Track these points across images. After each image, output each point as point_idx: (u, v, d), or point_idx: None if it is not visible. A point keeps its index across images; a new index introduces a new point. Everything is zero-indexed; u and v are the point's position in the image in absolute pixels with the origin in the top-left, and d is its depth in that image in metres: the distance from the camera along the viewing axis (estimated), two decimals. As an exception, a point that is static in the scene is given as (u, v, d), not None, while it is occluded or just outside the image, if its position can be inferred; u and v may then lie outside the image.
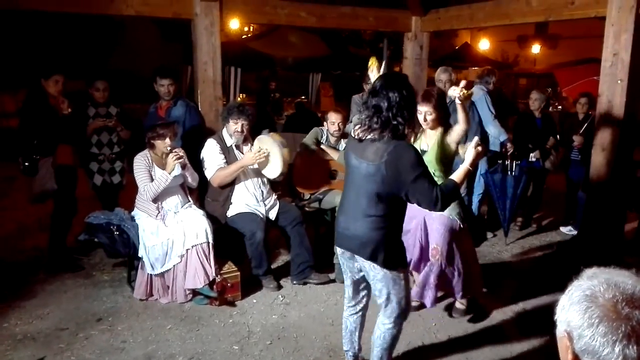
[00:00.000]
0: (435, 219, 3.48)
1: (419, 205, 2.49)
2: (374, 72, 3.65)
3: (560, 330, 1.11)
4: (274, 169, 4.21)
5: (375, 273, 2.64)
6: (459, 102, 3.22)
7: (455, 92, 3.20)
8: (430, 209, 2.49)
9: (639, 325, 1.00)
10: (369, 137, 2.54)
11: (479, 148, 2.64)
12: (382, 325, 2.80)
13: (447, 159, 3.49)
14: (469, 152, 2.63)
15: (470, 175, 2.96)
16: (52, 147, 4.28)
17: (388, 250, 2.58)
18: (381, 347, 2.82)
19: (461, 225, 3.52)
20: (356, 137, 2.62)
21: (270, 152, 4.14)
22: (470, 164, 2.61)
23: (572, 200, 5.79)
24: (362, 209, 2.57)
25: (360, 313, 2.98)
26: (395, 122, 2.46)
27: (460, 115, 3.33)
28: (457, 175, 2.60)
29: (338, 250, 2.83)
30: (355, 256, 2.67)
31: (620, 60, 3.86)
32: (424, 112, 3.46)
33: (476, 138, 2.73)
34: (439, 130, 3.51)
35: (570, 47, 16.98)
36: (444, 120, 3.53)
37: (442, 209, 2.48)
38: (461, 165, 2.64)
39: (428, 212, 3.07)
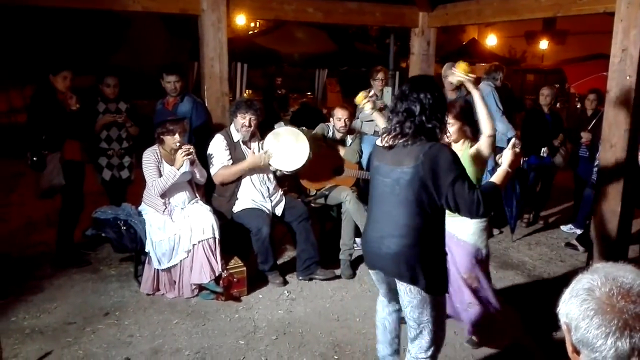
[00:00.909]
0: (460, 246, 3.22)
1: (458, 211, 2.27)
2: (366, 106, 3.75)
3: (561, 321, 1.14)
4: (291, 162, 4.23)
5: (412, 298, 2.40)
6: (465, 80, 3.07)
7: (455, 73, 3.11)
8: (470, 215, 2.28)
9: (633, 318, 1.02)
10: (400, 142, 2.37)
11: (517, 149, 2.48)
12: (413, 358, 2.54)
13: (480, 174, 3.25)
14: (506, 154, 2.46)
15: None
16: (60, 142, 4.31)
17: (429, 270, 2.36)
18: None
19: (485, 256, 3.29)
20: (384, 144, 2.46)
21: (287, 144, 4.18)
22: (509, 165, 2.42)
23: (580, 197, 5.76)
24: (398, 222, 2.36)
25: (400, 312, 2.72)
26: (430, 125, 2.34)
27: (480, 109, 3.08)
28: (496, 178, 2.39)
29: (370, 271, 2.66)
30: (397, 280, 2.46)
31: (629, 56, 3.83)
32: None
33: (513, 139, 2.58)
34: (466, 143, 3.24)
35: (578, 42, 16.89)
36: (471, 133, 3.24)
37: (484, 215, 2.29)
38: (500, 167, 2.46)
39: (451, 238, 3.01)
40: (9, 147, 6.40)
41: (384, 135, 2.49)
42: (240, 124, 4.22)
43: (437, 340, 2.51)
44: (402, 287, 2.41)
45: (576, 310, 1.08)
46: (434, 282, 2.38)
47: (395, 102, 2.48)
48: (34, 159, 4.21)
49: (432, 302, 2.40)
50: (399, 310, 2.71)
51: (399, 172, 2.34)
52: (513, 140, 2.56)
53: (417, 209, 2.32)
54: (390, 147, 2.42)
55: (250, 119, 4.22)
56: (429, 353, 2.49)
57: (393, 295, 2.65)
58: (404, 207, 2.34)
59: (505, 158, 2.46)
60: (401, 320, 2.77)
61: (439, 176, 2.25)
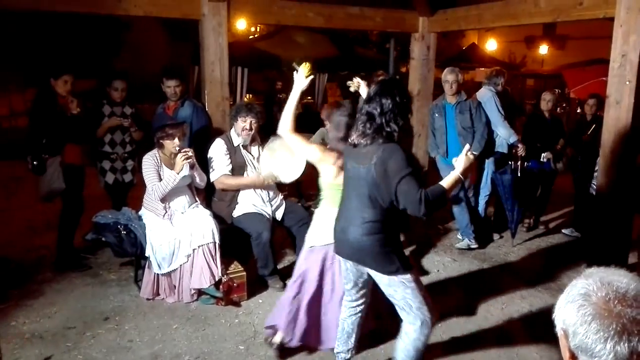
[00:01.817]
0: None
1: (406, 209, 2.42)
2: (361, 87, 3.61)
3: (557, 328, 1.14)
4: (291, 173, 4.22)
5: (380, 278, 2.63)
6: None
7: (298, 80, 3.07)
8: (415, 214, 2.40)
9: (630, 322, 1.03)
10: (362, 141, 2.55)
11: (470, 155, 2.54)
12: (405, 335, 2.71)
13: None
14: (460, 160, 2.53)
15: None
16: (60, 146, 4.31)
17: (384, 255, 2.56)
18: None
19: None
20: (351, 142, 2.63)
21: (285, 156, 4.16)
22: (460, 171, 2.51)
23: (579, 202, 5.75)
24: (357, 214, 2.58)
25: (360, 315, 2.96)
26: (388, 129, 2.50)
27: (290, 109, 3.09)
28: (446, 182, 2.50)
29: (337, 256, 2.83)
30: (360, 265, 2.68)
31: (629, 62, 3.84)
32: None
33: (467, 145, 2.65)
34: None
35: (578, 47, 16.91)
36: None
37: (427, 214, 2.39)
38: (452, 171, 2.55)
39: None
40: (9, 151, 6.40)
41: (352, 134, 2.66)
42: (241, 128, 4.23)
43: (424, 314, 2.64)
44: (370, 271, 2.64)
45: (573, 316, 1.08)
46: (389, 265, 2.57)
47: (363, 103, 2.64)
48: (35, 163, 4.21)
49: (399, 281, 2.58)
50: (359, 314, 2.93)
51: (359, 170, 2.55)
52: (467, 146, 2.63)
53: (370, 203, 2.54)
54: (355, 146, 2.61)
55: (250, 122, 4.22)
56: (418, 328, 2.65)
57: (358, 290, 2.85)
58: (360, 201, 2.57)
59: (459, 163, 2.53)
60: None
61: (389, 175, 2.42)
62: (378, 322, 3.42)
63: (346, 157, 2.72)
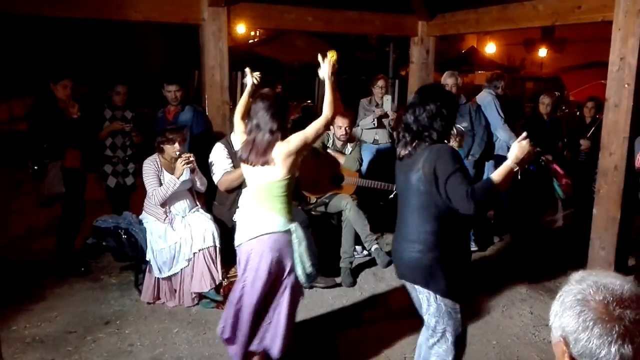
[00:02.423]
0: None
1: (454, 207, 2.25)
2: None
3: (555, 336, 1.13)
4: None
5: (429, 305, 2.42)
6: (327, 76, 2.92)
7: (324, 68, 2.93)
8: (465, 212, 2.23)
9: (632, 324, 1.03)
10: (406, 152, 2.46)
11: (524, 143, 2.29)
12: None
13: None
14: (513, 148, 2.29)
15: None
16: (61, 151, 4.32)
17: (444, 275, 2.35)
18: None
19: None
20: (398, 155, 2.54)
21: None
22: (514, 161, 2.26)
23: (579, 204, 5.76)
24: (413, 229, 2.41)
25: (435, 346, 2.58)
26: (426, 134, 2.41)
27: (326, 93, 2.96)
28: (497, 173, 2.28)
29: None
30: (415, 286, 2.47)
31: (627, 65, 3.85)
32: None
33: (524, 133, 2.39)
34: None
35: (577, 50, 16.95)
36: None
37: (478, 211, 2.22)
38: (504, 162, 2.33)
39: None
40: (10, 156, 6.41)
41: (397, 146, 2.57)
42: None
43: (457, 351, 2.48)
44: (421, 294, 2.43)
45: (574, 322, 1.08)
46: (450, 288, 2.37)
47: (404, 113, 2.56)
48: (35, 167, 4.23)
49: (449, 310, 2.39)
50: (435, 344, 2.54)
51: (409, 178, 2.41)
52: (524, 133, 2.39)
53: (428, 213, 2.36)
54: (401, 159, 2.51)
55: None
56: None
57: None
58: (417, 213, 2.40)
59: (512, 152, 2.30)
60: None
61: (438, 175, 2.28)
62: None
63: (396, 172, 2.60)
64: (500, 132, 5.29)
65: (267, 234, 2.84)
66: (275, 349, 2.93)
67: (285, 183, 2.81)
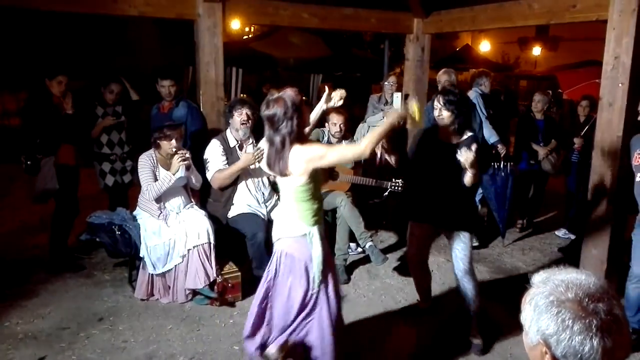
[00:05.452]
0: None
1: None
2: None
3: (533, 340, 1.15)
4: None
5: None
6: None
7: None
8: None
9: (606, 316, 1.07)
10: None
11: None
12: None
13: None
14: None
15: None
16: (54, 146, 4.30)
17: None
18: None
19: None
20: None
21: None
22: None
23: (571, 203, 5.79)
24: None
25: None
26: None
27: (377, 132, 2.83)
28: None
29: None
30: None
31: (622, 64, 3.87)
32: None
33: (474, 145, 2.64)
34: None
35: (571, 49, 17.00)
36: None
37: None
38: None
39: None
40: (3, 151, 6.37)
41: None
42: (238, 122, 4.21)
43: None
44: None
45: (552, 324, 1.10)
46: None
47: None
48: (28, 162, 4.20)
49: None
50: None
51: None
52: (474, 146, 2.71)
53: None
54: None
55: (246, 112, 4.20)
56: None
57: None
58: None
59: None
60: None
61: None
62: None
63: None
64: (484, 129, 5.31)
65: (288, 237, 2.86)
66: None
67: (306, 188, 2.75)
